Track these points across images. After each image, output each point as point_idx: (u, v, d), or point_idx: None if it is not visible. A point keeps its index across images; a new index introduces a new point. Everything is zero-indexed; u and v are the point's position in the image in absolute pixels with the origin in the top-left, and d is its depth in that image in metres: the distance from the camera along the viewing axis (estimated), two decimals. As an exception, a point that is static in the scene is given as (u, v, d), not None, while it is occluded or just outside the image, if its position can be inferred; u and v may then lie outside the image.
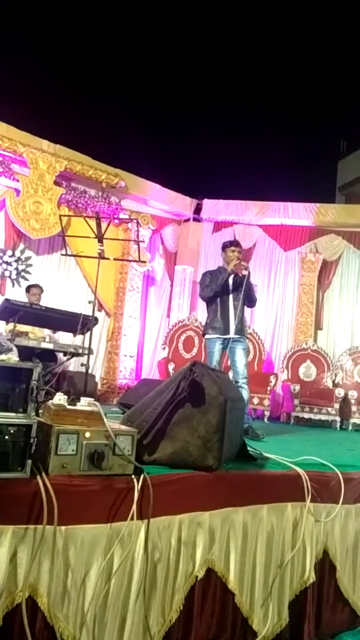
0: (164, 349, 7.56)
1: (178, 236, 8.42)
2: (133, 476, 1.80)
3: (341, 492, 2.42)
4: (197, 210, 8.39)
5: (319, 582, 2.36)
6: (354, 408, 6.83)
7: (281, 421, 7.12)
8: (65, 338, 5.92)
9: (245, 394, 4.18)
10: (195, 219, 8.37)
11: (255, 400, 6.73)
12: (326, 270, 8.12)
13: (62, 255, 6.61)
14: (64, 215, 6.12)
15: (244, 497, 2.12)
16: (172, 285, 8.35)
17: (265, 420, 6.69)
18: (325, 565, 2.40)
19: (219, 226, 8.42)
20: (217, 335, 4.39)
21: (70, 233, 5.95)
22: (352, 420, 6.81)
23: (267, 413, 6.78)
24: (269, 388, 6.85)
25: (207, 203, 8.36)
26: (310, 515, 2.31)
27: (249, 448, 2.50)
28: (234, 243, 4.63)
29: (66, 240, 6.02)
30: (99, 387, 7.30)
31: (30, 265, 7.04)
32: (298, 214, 8.12)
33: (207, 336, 4.49)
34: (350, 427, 6.77)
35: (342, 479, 2.45)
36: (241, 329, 4.38)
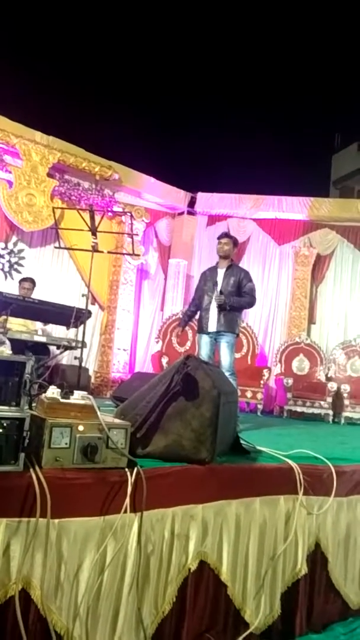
0: (157, 342, 7.56)
1: (172, 229, 8.39)
2: (126, 469, 1.80)
3: (333, 485, 2.44)
4: (191, 203, 8.36)
5: (311, 574, 2.38)
6: (346, 402, 6.86)
7: (274, 415, 7.15)
8: (58, 331, 5.90)
9: None
10: (189, 213, 8.34)
11: (249, 394, 6.75)
12: (320, 264, 8.14)
13: (56, 248, 6.56)
14: (57, 208, 6.08)
15: (236, 490, 2.13)
16: (165, 279, 8.33)
17: (258, 413, 6.72)
18: (317, 558, 2.42)
19: (213, 220, 8.40)
20: (202, 331, 4.48)
21: (63, 226, 5.91)
22: (345, 414, 6.85)
23: (260, 406, 6.80)
24: (262, 382, 6.87)
25: (201, 196, 8.33)
26: (303, 508, 2.33)
27: (242, 441, 2.51)
28: (221, 235, 4.71)
29: (59, 233, 5.99)
30: (92, 380, 7.29)
31: (23, 257, 7.00)
32: (292, 207, 8.12)
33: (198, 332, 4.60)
34: (342, 421, 6.81)
35: (334, 472, 2.47)
36: (225, 324, 4.36)
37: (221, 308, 4.33)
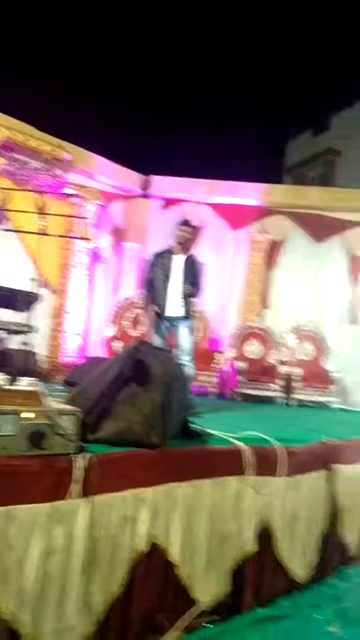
0: (109, 326, 7.49)
1: (126, 212, 8.27)
2: (75, 455, 1.78)
3: (282, 465, 2.51)
4: (146, 186, 8.26)
5: (260, 551, 2.44)
6: (297, 384, 7.06)
7: (227, 398, 7.26)
8: (6, 315, 5.72)
9: (189, 372, 4.25)
10: (143, 196, 8.25)
11: (202, 378, 6.81)
12: (273, 250, 8.25)
13: (2, 230, 6.32)
14: (4, 189, 5.86)
15: (186, 472, 2.15)
16: (119, 262, 8.23)
17: (211, 397, 6.80)
18: (265, 536, 2.48)
19: (167, 203, 8.34)
20: (162, 314, 4.43)
21: (11, 207, 5.71)
22: (296, 396, 7.04)
23: (213, 390, 6.89)
24: (215, 366, 6.95)
25: (155, 180, 8.24)
26: (252, 488, 2.38)
27: (193, 425, 2.53)
28: (183, 222, 4.70)
29: (6, 215, 5.77)
30: (44, 365, 7.14)
31: (-30, 239, 6.72)
32: (247, 193, 8.16)
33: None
34: (293, 403, 7.01)
35: (282, 453, 2.53)
36: (185, 309, 4.39)
37: (190, 297, 4.38)
